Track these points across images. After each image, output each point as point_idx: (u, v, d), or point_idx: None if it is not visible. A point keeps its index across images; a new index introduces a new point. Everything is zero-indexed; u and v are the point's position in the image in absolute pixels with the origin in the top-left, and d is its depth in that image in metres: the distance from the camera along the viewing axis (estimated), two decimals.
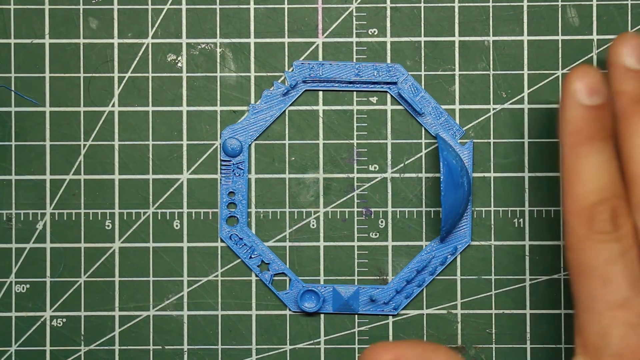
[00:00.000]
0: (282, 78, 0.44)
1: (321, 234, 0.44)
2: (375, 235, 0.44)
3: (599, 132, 0.37)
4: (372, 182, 0.44)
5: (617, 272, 0.36)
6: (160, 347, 0.44)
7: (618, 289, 0.36)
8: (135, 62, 0.44)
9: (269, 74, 0.44)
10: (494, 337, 0.43)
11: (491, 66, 0.43)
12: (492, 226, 0.43)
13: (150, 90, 0.44)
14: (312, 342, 0.43)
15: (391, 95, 0.44)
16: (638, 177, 0.36)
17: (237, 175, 0.43)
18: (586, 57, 0.43)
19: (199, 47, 0.44)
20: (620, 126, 0.37)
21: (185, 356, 0.44)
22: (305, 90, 0.44)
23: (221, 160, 0.43)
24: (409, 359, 0.37)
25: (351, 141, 0.44)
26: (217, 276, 0.44)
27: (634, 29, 0.43)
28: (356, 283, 0.43)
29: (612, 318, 0.36)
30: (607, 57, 0.38)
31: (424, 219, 0.43)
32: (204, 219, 0.43)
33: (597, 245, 0.36)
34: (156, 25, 0.44)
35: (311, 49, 0.43)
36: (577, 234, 0.36)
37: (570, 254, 0.37)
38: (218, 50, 0.43)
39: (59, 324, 0.43)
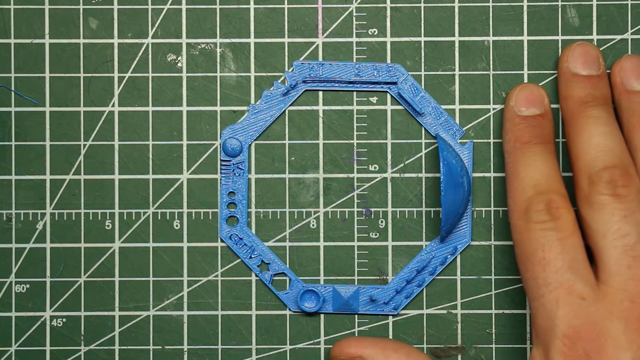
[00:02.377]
0: (282, 78, 0.44)
1: (321, 234, 0.44)
2: (375, 235, 0.44)
3: (536, 137, 0.40)
4: (372, 182, 0.44)
5: (556, 255, 0.37)
6: (160, 347, 0.44)
7: (557, 271, 0.37)
8: (135, 62, 0.44)
9: (269, 74, 0.44)
10: (494, 337, 0.43)
11: (491, 66, 0.43)
12: (492, 226, 0.43)
13: (150, 90, 0.44)
14: (312, 342, 0.43)
15: (391, 95, 0.44)
16: (584, 172, 0.39)
17: (237, 175, 0.43)
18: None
19: (199, 47, 0.44)
20: (569, 128, 0.40)
21: (185, 356, 0.44)
22: (305, 90, 0.44)
23: (221, 160, 0.43)
24: (369, 355, 0.40)
25: (351, 141, 0.44)
26: (217, 276, 0.44)
27: (634, 29, 0.43)
28: (356, 283, 0.44)
29: (555, 301, 0.37)
30: (557, 66, 0.42)
31: (424, 219, 0.43)
32: (204, 219, 0.43)
33: (536, 234, 0.38)
34: (156, 25, 0.44)
35: (311, 49, 0.43)
36: (519, 228, 0.39)
37: (515, 249, 0.39)
38: (218, 50, 0.43)
39: (59, 324, 0.43)
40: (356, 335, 0.43)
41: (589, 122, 0.39)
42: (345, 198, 0.44)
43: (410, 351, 0.41)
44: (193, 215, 0.43)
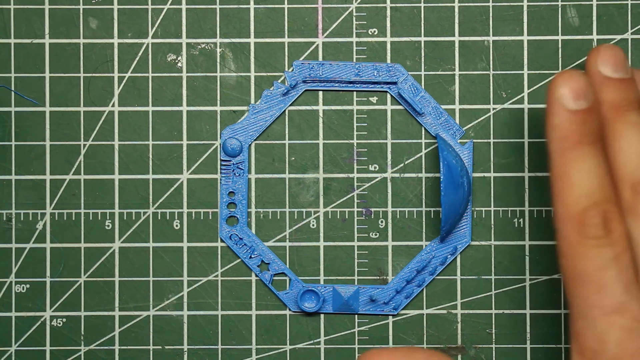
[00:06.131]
0: (282, 78, 0.44)
1: (321, 234, 0.44)
2: (375, 235, 0.44)
3: (587, 136, 0.37)
4: (372, 182, 0.44)
5: (611, 277, 0.36)
6: (160, 347, 0.44)
7: (613, 294, 0.36)
8: (135, 62, 0.44)
9: (269, 74, 0.44)
10: (494, 337, 0.43)
11: (491, 66, 0.43)
12: (492, 226, 0.43)
13: (150, 90, 0.44)
14: (312, 342, 0.43)
15: (391, 95, 0.44)
16: (626, 180, 0.37)
17: (237, 175, 0.43)
18: (586, 58, 0.43)
19: (199, 47, 0.44)
20: (606, 132, 0.38)
21: (185, 356, 0.44)
22: (305, 90, 0.44)
23: (221, 160, 0.43)
24: None
25: (351, 141, 0.44)
26: (217, 276, 0.44)
27: (634, 29, 0.43)
28: (356, 283, 0.44)
29: (608, 323, 0.36)
30: (585, 68, 0.39)
31: (424, 219, 0.43)
32: (204, 219, 0.44)
33: (590, 251, 0.36)
34: (156, 25, 0.44)
35: (311, 49, 0.43)
36: (570, 240, 0.37)
37: (563, 260, 0.37)
38: (218, 50, 0.43)
39: (59, 324, 0.43)
40: (356, 335, 0.43)
41: (627, 128, 0.37)
42: (345, 198, 0.44)
43: (440, 358, 0.39)
44: (193, 215, 0.43)
